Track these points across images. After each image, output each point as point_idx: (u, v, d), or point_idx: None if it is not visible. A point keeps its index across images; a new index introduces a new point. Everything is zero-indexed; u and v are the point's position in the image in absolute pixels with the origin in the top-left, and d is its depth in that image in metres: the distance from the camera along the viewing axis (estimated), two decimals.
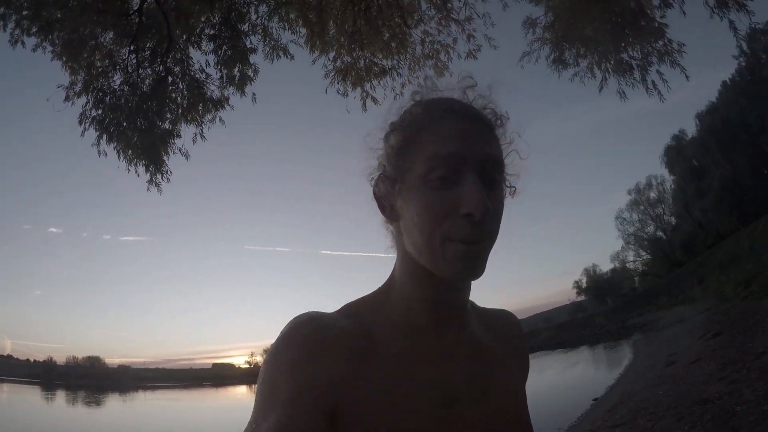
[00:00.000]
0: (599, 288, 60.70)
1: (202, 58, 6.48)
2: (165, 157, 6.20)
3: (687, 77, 5.86)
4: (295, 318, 0.69)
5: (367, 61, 6.39)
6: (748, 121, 29.89)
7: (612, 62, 5.79)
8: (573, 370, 21.05)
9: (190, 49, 6.52)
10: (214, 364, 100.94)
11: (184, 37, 6.45)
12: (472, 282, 0.76)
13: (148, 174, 6.17)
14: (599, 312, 52.22)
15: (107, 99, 6.27)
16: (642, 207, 55.76)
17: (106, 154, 6.23)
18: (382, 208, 0.77)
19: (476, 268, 0.68)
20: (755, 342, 8.41)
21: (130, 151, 6.15)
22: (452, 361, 0.75)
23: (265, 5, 6.40)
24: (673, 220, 52.77)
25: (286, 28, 6.44)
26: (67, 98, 6.22)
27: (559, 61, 6.10)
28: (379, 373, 0.69)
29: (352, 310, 0.76)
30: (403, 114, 0.75)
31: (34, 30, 5.65)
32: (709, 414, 5.67)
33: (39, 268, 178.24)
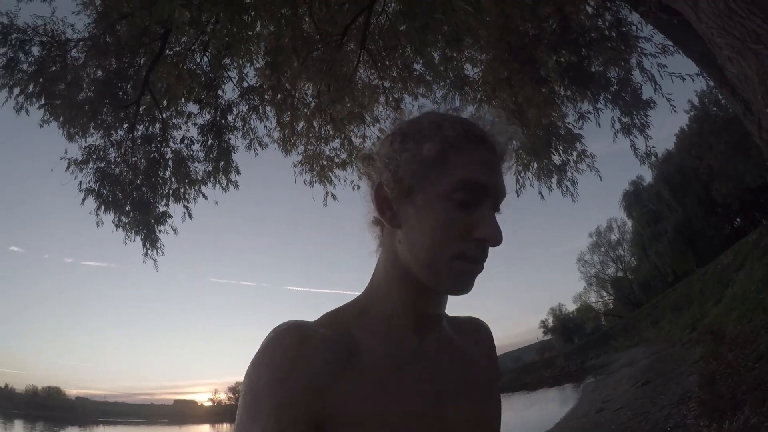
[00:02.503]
0: (565, 327, 60.47)
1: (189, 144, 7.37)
2: (159, 234, 6.99)
3: (600, 178, 7.10)
4: (276, 327, 0.69)
5: (330, 153, 7.52)
6: (699, 170, 31.61)
7: (533, 167, 6.95)
8: (523, 414, 21.24)
9: (178, 135, 7.34)
10: (176, 401, 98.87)
11: (175, 122, 7.39)
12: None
13: (144, 249, 6.96)
14: (562, 353, 52.96)
15: (104, 174, 6.89)
16: (603, 249, 56.90)
17: (102, 223, 6.83)
18: (382, 211, 0.76)
19: (471, 285, 0.72)
20: (668, 394, 9.30)
21: (126, 222, 6.86)
22: (436, 363, 0.77)
23: (245, 102, 7.40)
24: (633, 260, 53.18)
25: (262, 121, 7.46)
26: (68, 167, 6.78)
27: None
28: (364, 378, 0.69)
29: (333, 318, 0.75)
30: (429, 125, 0.74)
31: (40, 102, 6.17)
32: None
33: None
